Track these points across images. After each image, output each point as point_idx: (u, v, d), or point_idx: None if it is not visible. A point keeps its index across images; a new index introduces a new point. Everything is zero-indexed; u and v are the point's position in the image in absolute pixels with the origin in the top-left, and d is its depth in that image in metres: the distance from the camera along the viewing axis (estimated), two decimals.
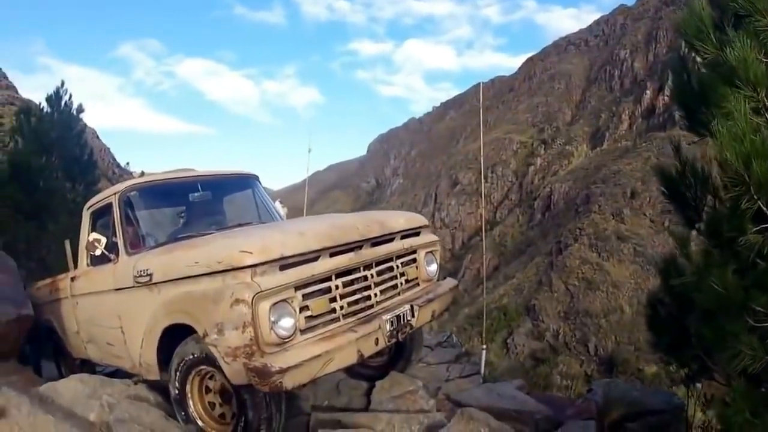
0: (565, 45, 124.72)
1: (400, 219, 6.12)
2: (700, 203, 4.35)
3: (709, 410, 5.97)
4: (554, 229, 71.84)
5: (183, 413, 5.34)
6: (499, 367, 41.70)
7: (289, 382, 4.43)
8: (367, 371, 6.86)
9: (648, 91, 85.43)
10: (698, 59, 3.43)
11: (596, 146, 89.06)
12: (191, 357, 5.07)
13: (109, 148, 76.83)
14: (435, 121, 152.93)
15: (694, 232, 4.52)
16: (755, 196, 2.80)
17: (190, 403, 5.31)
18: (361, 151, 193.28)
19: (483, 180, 74.53)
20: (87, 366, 7.61)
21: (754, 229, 3.15)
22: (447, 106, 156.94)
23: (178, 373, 5.24)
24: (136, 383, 6.12)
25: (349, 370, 6.78)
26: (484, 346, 8.68)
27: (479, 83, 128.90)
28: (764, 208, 2.86)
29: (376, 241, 5.56)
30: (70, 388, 5.80)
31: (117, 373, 7.05)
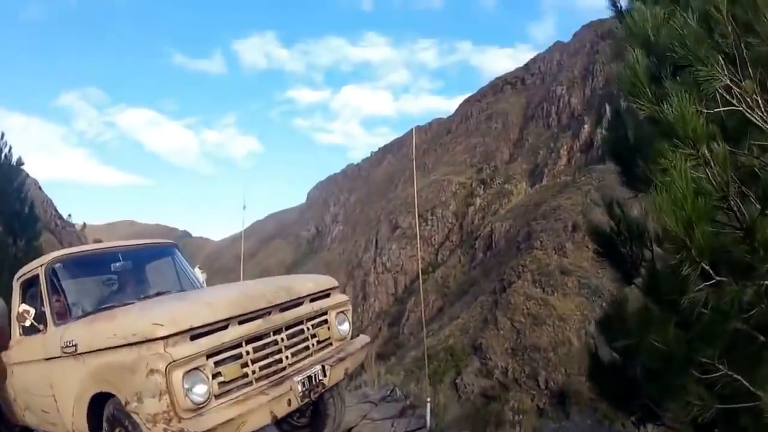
0: (502, 85, 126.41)
1: (307, 283, 6.52)
2: (637, 259, 4.30)
3: None
4: (497, 268, 72.13)
5: None
6: (447, 415, 41.66)
7: None
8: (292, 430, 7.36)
9: (586, 126, 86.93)
10: (638, 113, 3.35)
11: (535, 183, 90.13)
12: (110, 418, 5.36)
13: (51, 200, 76.48)
14: (373, 167, 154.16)
15: (631, 288, 4.47)
16: (697, 260, 2.68)
17: None
18: (300, 199, 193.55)
19: (418, 222, 75.27)
20: None
21: (697, 288, 3.05)
22: (385, 150, 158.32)
23: None
24: None
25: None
26: (429, 399, 8.81)
27: (417, 126, 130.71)
28: (709, 270, 2.74)
29: (285, 307, 5.87)
30: None
31: None
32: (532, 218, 73.16)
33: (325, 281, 6.77)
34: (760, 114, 2.99)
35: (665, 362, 3.59)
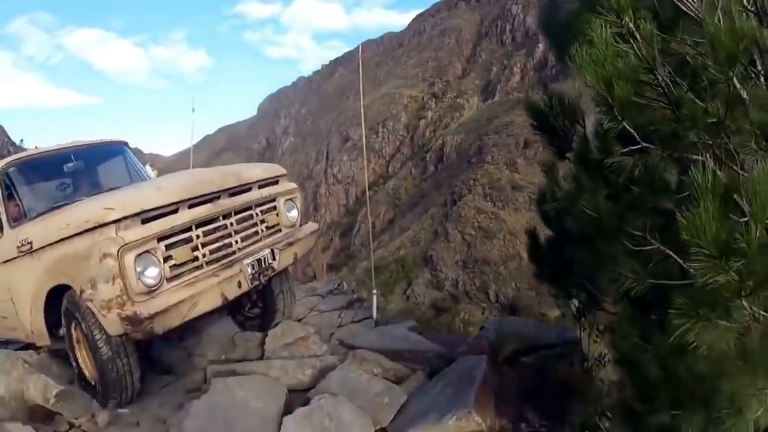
0: (456, 1, 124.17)
1: (255, 170, 6.62)
2: (569, 133, 4.52)
3: (602, 341, 6.19)
4: (448, 181, 72.51)
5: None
6: (393, 311, 42.44)
7: (159, 326, 4.95)
8: (252, 322, 7.55)
9: (540, 45, 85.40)
10: None
11: (488, 99, 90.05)
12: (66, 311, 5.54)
13: (2, 126, 74.61)
14: (324, 79, 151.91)
15: (564, 163, 4.73)
16: (619, 117, 2.92)
17: (77, 354, 5.82)
18: (251, 113, 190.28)
19: (367, 135, 74.93)
20: None
21: (622, 150, 3.28)
22: (336, 63, 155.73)
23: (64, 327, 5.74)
24: (39, 353, 6.42)
25: (240, 324, 7.58)
26: (375, 291, 8.95)
27: (369, 40, 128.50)
28: (630, 129, 2.97)
29: (234, 192, 5.98)
30: None
31: None
32: (484, 133, 73.33)
33: (274, 168, 6.88)
34: (692, 4, 3.18)
35: (596, 229, 3.84)
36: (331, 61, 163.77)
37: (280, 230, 6.56)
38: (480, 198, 62.60)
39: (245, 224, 6.04)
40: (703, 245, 2.40)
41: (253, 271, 5.80)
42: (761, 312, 2.67)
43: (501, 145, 67.79)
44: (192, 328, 6.86)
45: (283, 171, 6.95)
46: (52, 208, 6.33)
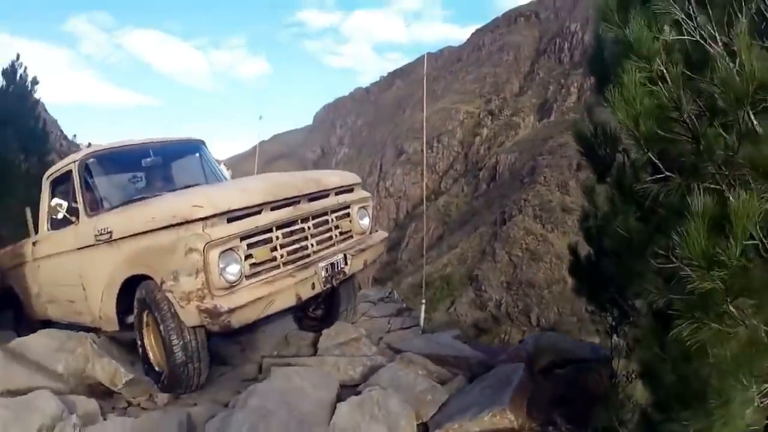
0: (515, 17, 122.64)
1: (333, 177, 6.75)
2: (610, 160, 4.96)
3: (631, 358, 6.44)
4: (499, 200, 71.93)
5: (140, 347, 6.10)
6: (438, 322, 42.34)
7: (236, 321, 5.15)
8: (311, 323, 7.73)
9: None
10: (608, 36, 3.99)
11: (544, 118, 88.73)
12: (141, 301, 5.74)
13: (56, 121, 75.74)
14: (382, 91, 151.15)
15: (604, 186, 5.17)
16: (644, 149, 3.40)
17: (145, 341, 6.04)
18: (307, 122, 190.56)
19: (424, 149, 74.68)
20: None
21: (649, 178, 3.73)
22: (395, 75, 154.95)
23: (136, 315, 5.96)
24: (99, 337, 6.49)
25: (300, 323, 7.64)
26: (423, 300, 9.11)
27: (428, 53, 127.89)
28: (654, 159, 3.45)
29: (313, 197, 6.15)
30: (39, 343, 6.18)
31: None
32: (538, 153, 72.46)
33: (350, 177, 7.00)
34: (717, 48, 3.63)
35: (627, 247, 4.30)
36: (389, 73, 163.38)
37: (351, 236, 6.73)
38: (530, 219, 62.06)
39: (321, 229, 6.25)
40: (693, 257, 2.90)
41: (327, 275, 5.97)
42: (748, 319, 3.12)
43: (554, 166, 67.11)
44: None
45: (357, 180, 7.08)
46: (132, 201, 6.61)
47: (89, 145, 8.66)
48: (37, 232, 7.90)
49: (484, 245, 63.28)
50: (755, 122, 3.27)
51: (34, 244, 7.87)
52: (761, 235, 2.98)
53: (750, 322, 3.13)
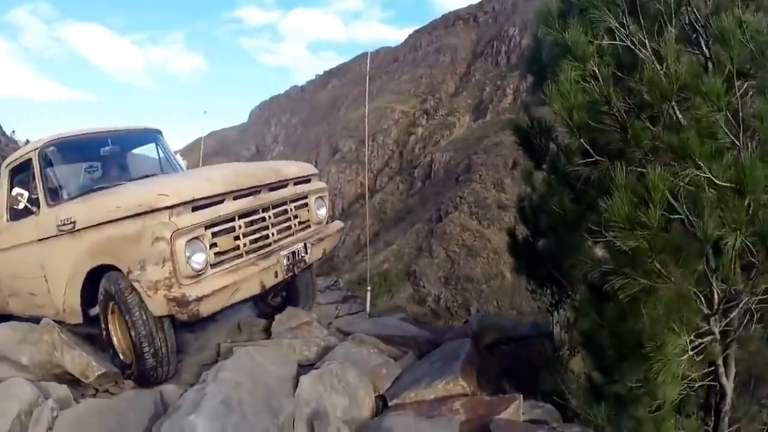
0: (454, 19, 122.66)
1: (292, 167, 6.87)
2: (545, 149, 5.53)
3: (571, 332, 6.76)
4: (434, 197, 72.03)
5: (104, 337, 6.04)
6: (381, 310, 42.50)
7: (205, 309, 5.23)
8: (268, 310, 7.87)
9: None
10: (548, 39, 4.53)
11: (479, 118, 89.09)
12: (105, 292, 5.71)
13: None
14: (317, 90, 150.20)
15: (541, 173, 5.77)
16: (576, 136, 3.97)
17: (110, 328, 5.99)
18: (242, 119, 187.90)
19: (359, 147, 74.33)
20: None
21: (580, 161, 4.30)
22: (330, 74, 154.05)
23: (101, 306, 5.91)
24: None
25: (262, 312, 7.79)
26: (369, 287, 9.58)
27: (365, 52, 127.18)
28: (586, 145, 4.02)
29: (273, 187, 6.26)
30: (0, 336, 6.21)
31: None
32: (473, 152, 72.53)
33: (307, 168, 7.14)
34: (647, 53, 4.19)
35: (562, 222, 4.87)
36: (325, 72, 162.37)
37: (309, 226, 6.86)
38: (466, 216, 62.26)
39: (281, 218, 6.34)
40: (618, 221, 3.46)
41: (288, 263, 6.09)
42: (675, 276, 3.68)
43: (489, 164, 67.43)
44: None
45: (315, 171, 7.24)
46: (93, 190, 6.58)
47: (27, 142, 8.52)
48: None
49: (421, 241, 63.36)
50: (679, 114, 3.85)
51: None
52: (683, 205, 3.55)
53: (677, 278, 3.67)
